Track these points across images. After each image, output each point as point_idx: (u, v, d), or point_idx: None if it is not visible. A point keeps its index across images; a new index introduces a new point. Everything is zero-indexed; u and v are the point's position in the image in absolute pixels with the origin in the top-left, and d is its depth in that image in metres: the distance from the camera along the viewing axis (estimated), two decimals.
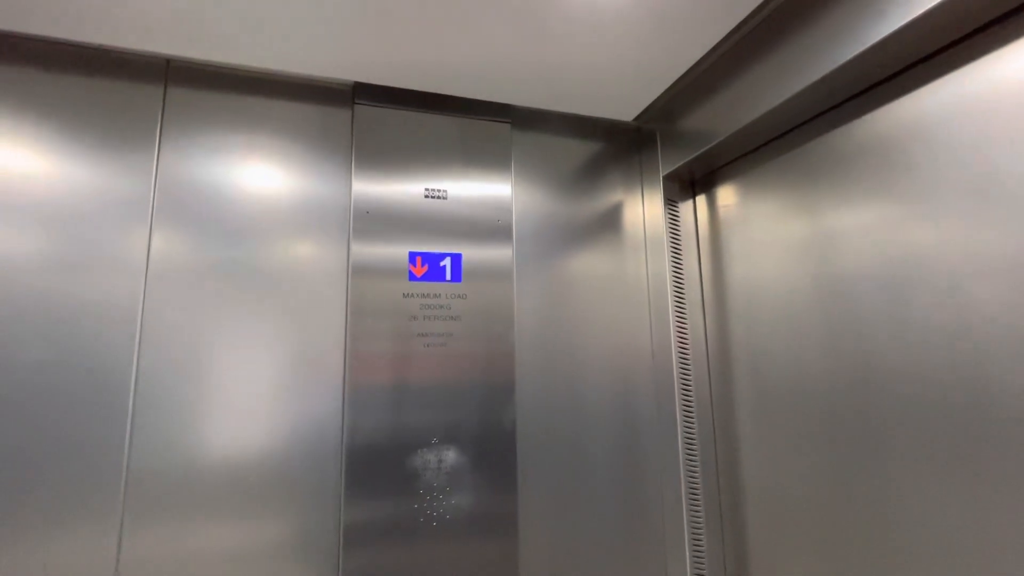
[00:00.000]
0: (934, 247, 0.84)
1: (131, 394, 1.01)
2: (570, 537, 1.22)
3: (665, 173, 1.34)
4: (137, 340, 1.02)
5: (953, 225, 0.82)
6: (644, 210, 1.42)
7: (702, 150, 1.20)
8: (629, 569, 1.25)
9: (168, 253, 1.07)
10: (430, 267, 1.21)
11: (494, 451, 1.17)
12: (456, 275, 1.22)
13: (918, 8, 0.76)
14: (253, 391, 1.08)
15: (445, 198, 1.24)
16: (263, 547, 1.04)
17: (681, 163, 1.27)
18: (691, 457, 1.26)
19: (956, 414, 0.80)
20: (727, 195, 1.29)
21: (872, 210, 0.94)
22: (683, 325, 1.31)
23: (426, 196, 1.23)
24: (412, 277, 1.19)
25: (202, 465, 1.03)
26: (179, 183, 1.11)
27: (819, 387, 1.03)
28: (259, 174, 1.16)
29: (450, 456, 1.13)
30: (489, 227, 1.26)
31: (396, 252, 1.18)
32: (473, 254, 1.24)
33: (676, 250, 1.35)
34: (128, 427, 1.00)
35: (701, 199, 1.37)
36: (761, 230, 1.19)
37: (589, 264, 1.36)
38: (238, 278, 1.10)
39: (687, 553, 1.22)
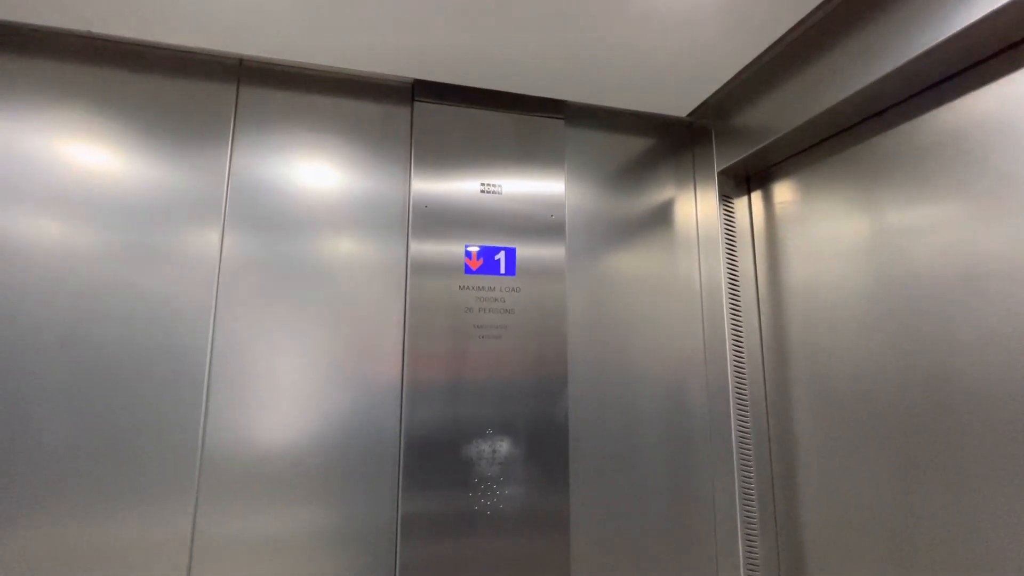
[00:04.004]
0: (1013, 245, 0.81)
1: (206, 380, 1.06)
2: (621, 534, 1.22)
3: (720, 169, 1.33)
4: (211, 330, 1.08)
5: None
6: (697, 207, 1.41)
7: (759, 146, 1.18)
8: (680, 568, 1.25)
9: (239, 248, 1.12)
10: (485, 261, 1.23)
11: (547, 444, 1.18)
12: (510, 269, 1.24)
13: None
14: (315, 381, 1.12)
15: (500, 193, 1.26)
16: (324, 533, 1.08)
17: (736, 159, 1.26)
18: (745, 459, 1.24)
19: None
20: (784, 192, 1.27)
21: (945, 207, 0.91)
22: (738, 325, 1.30)
23: (482, 191, 1.25)
24: (468, 271, 1.21)
25: (269, 450, 1.07)
26: (250, 180, 1.15)
27: (884, 390, 1.00)
28: (324, 172, 1.20)
29: (504, 447, 1.14)
30: (542, 222, 1.27)
31: (452, 246, 1.21)
32: (527, 249, 1.25)
33: (731, 249, 1.33)
34: (203, 410, 1.05)
35: (756, 196, 1.35)
36: (820, 228, 1.16)
37: (641, 262, 1.36)
38: (303, 272, 1.15)
39: (740, 557, 1.21)
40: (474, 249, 1.23)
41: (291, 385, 1.10)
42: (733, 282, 1.32)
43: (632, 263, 1.35)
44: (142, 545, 0.99)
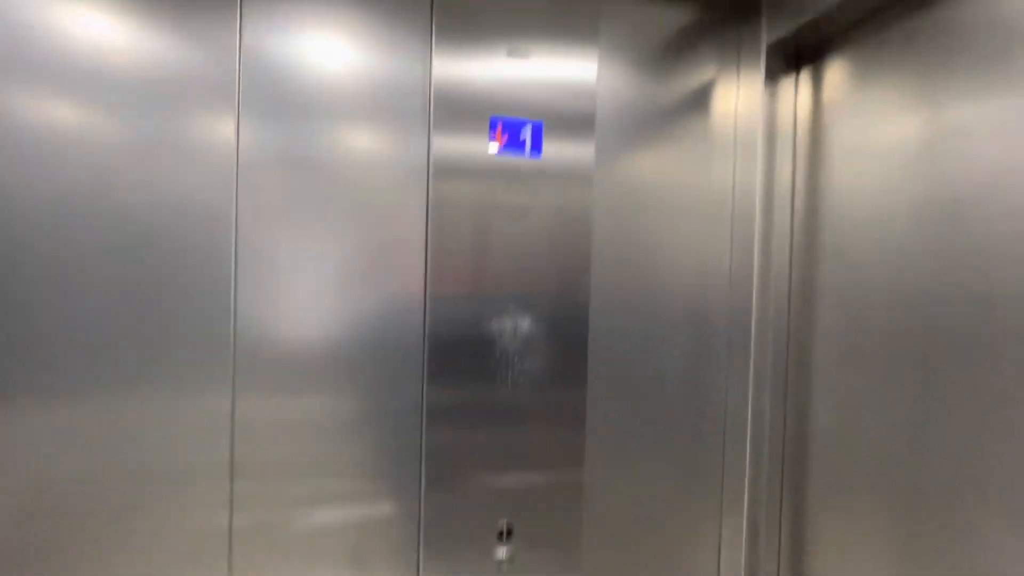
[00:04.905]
0: None
1: (232, 267, 1.04)
2: (633, 436, 1.22)
3: (769, 42, 1.21)
4: (234, 229, 1.05)
5: None
6: (738, 94, 1.30)
7: (816, 13, 1.07)
8: (687, 480, 1.24)
9: (255, 138, 1.07)
10: (510, 136, 1.20)
11: (567, 327, 1.16)
12: (536, 147, 1.21)
13: None
14: (339, 275, 1.10)
15: (527, 59, 1.20)
16: (354, 418, 1.10)
17: (788, 30, 1.14)
18: (761, 380, 1.21)
19: None
20: (836, 74, 1.15)
21: (1021, 102, 0.76)
22: (767, 239, 1.23)
23: (508, 57, 1.20)
24: (493, 147, 1.19)
25: (299, 339, 1.08)
26: (263, 57, 1.07)
27: (918, 322, 0.92)
28: (338, 49, 1.11)
29: (525, 324, 1.17)
30: (570, 98, 1.21)
31: (476, 121, 1.17)
32: (554, 129, 1.20)
33: (769, 148, 1.24)
34: (232, 297, 1.05)
35: (805, 77, 1.23)
36: (870, 125, 1.05)
37: (673, 161, 1.27)
38: (322, 158, 1.09)
39: (746, 473, 1.20)
40: (500, 122, 1.20)
41: (315, 281, 1.09)
42: (768, 190, 1.24)
43: (662, 162, 1.26)
44: (185, 423, 1.02)
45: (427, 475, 1.07)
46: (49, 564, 0.98)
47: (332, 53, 1.11)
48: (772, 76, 1.23)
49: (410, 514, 1.09)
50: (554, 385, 1.15)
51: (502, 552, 1.07)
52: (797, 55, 1.25)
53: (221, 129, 1.05)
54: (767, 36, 1.21)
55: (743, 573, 1.20)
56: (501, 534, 1.07)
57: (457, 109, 1.15)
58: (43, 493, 0.97)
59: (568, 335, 1.17)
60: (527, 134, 1.19)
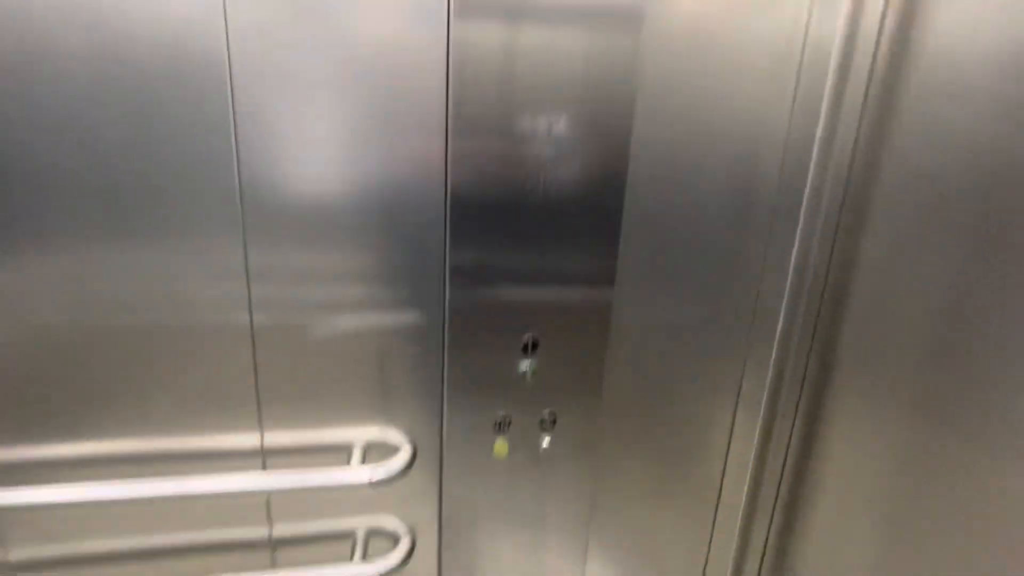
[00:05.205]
0: None
1: (230, 105, 0.88)
2: (662, 290, 1.11)
3: None
4: (228, 72, 0.87)
5: None
6: None
7: None
8: (713, 332, 1.17)
9: None
10: None
11: (605, 125, 1.00)
12: None
13: None
14: (346, 120, 0.92)
15: None
16: (373, 269, 0.99)
17: None
18: (804, 251, 1.08)
19: None
20: None
21: None
22: (836, 108, 1.04)
23: None
24: None
25: (310, 189, 0.93)
26: None
27: (1001, 208, 0.80)
28: None
29: (561, 124, 1.06)
30: None
31: None
32: None
33: None
34: (233, 139, 0.89)
35: None
36: None
37: None
38: None
39: (776, 335, 1.12)
40: None
41: (325, 123, 0.92)
42: (848, 42, 1.04)
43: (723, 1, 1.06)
44: (197, 271, 0.92)
45: (452, 286, 1.01)
46: (81, 393, 0.95)
47: None
48: None
49: (434, 324, 1.05)
50: (588, 198, 1.02)
51: (525, 364, 1.03)
52: None
53: None
54: None
55: (759, 423, 1.19)
56: (526, 347, 1.03)
57: None
58: (62, 333, 0.92)
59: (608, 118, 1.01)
60: None
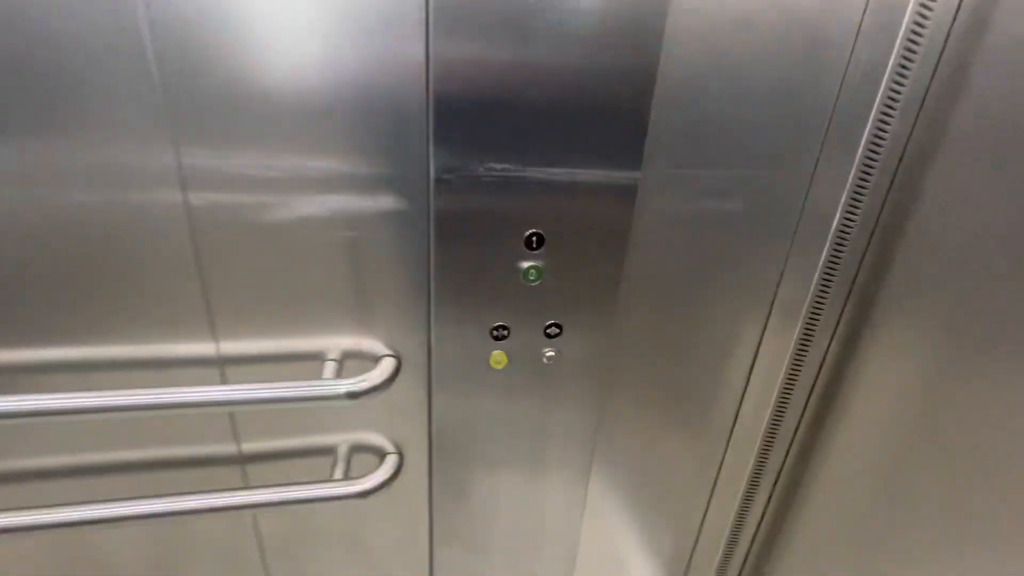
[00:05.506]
0: None
1: None
2: (696, 179, 0.89)
3: None
4: None
5: None
6: None
7: None
8: (746, 258, 0.98)
9: None
10: None
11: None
12: None
13: None
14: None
15: None
16: (338, 138, 0.77)
17: None
18: (868, 169, 0.85)
19: None
20: None
21: None
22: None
23: None
24: None
25: (253, 90, 0.70)
26: None
27: None
28: None
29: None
30: None
31: None
32: None
33: None
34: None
35: None
36: None
37: None
38: None
39: (811, 287, 0.95)
40: None
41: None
42: None
43: None
44: (126, 171, 0.73)
45: (438, 163, 0.80)
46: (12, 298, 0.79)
47: None
48: None
49: (418, 212, 0.86)
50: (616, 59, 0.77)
51: (528, 263, 0.86)
52: None
53: None
54: None
55: (794, 337, 1.04)
56: (529, 242, 0.85)
57: None
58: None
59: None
60: None
